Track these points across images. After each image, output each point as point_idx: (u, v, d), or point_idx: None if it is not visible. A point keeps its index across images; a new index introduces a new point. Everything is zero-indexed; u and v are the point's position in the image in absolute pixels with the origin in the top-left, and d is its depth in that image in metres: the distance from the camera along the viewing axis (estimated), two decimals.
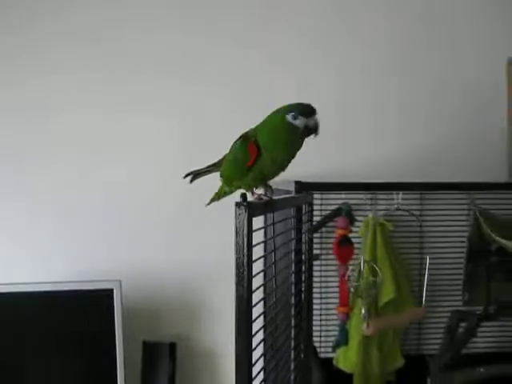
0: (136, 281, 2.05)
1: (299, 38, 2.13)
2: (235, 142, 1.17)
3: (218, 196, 1.29)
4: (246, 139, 1.13)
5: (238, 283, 0.89)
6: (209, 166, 1.27)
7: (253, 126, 1.17)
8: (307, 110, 1.10)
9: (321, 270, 2.03)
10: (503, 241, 1.70)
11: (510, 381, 1.82)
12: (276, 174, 1.16)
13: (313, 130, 1.11)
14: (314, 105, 1.14)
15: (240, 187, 1.18)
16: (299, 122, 1.09)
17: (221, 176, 1.25)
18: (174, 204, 2.08)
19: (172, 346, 1.98)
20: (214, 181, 1.29)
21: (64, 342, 1.89)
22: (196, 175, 1.27)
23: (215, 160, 1.28)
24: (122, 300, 1.90)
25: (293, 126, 1.09)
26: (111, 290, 1.89)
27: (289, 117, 1.09)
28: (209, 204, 1.30)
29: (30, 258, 2.07)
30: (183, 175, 1.28)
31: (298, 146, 1.13)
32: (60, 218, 2.09)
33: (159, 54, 2.11)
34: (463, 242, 1.85)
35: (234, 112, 2.10)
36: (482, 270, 1.90)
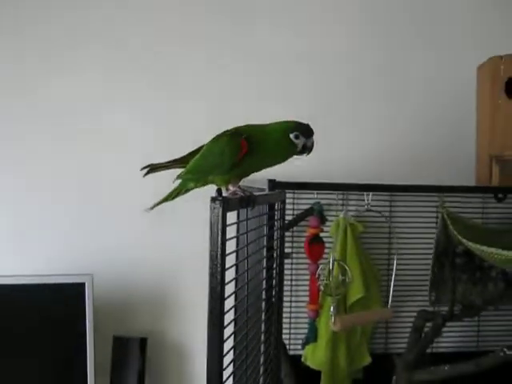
0: (107, 275, 2.05)
1: (276, 37, 2.16)
2: (221, 136, 1.18)
3: (171, 196, 1.29)
4: (238, 135, 1.15)
5: (212, 275, 0.91)
6: (169, 162, 1.28)
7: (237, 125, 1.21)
8: (308, 131, 1.20)
9: (292, 269, 2.06)
10: (469, 243, 1.74)
11: (472, 378, 1.87)
12: (252, 173, 1.23)
13: (308, 149, 1.21)
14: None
15: (212, 183, 1.20)
16: (299, 141, 1.19)
17: (188, 172, 1.23)
18: (146, 198, 2.08)
19: (143, 341, 1.98)
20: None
21: (34, 335, 1.88)
22: (153, 169, 1.28)
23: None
24: (93, 294, 1.90)
25: (293, 144, 1.19)
26: (83, 284, 1.89)
27: (292, 135, 1.18)
28: (153, 208, 1.29)
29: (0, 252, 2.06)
30: (140, 169, 1.29)
31: (290, 156, 1.22)
32: (31, 212, 2.08)
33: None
34: (431, 243, 1.89)
35: (208, 112, 2.13)
36: (448, 271, 1.95)
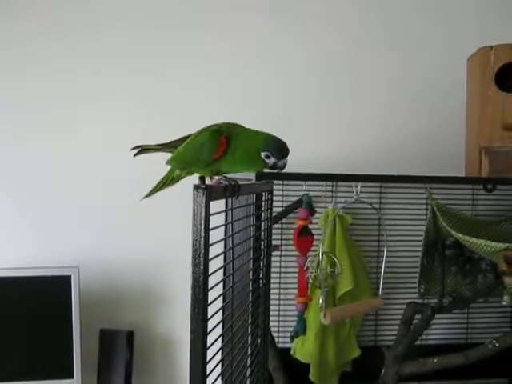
0: (94, 268, 2.03)
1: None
2: (204, 130, 1.18)
3: (162, 183, 1.27)
4: (219, 132, 1.15)
5: (195, 265, 0.89)
6: (159, 145, 1.27)
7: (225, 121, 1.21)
8: (281, 153, 1.16)
9: (280, 261, 2.06)
10: (458, 234, 1.73)
11: (460, 370, 1.87)
12: (234, 172, 1.23)
13: (279, 168, 1.18)
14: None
15: (196, 173, 1.20)
16: (270, 161, 1.15)
17: (173, 159, 1.23)
18: (132, 190, 2.06)
19: (130, 335, 1.97)
20: None
21: (20, 328, 1.87)
22: (143, 150, 1.27)
23: None
24: (79, 287, 1.88)
25: (263, 161, 1.16)
26: (69, 277, 1.87)
27: (263, 154, 1.14)
28: (147, 196, 1.28)
29: None
30: (130, 149, 1.28)
31: (260, 171, 1.21)
32: (18, 204, 2.06)
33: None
34: (421, 235, 1.88)
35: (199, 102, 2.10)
36: (438, 262, 1.94)
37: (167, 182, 1.26)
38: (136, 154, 1.27)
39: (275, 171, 1.19)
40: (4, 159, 2.05)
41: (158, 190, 1.27)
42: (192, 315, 0.89)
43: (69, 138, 2.07)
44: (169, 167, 1.25)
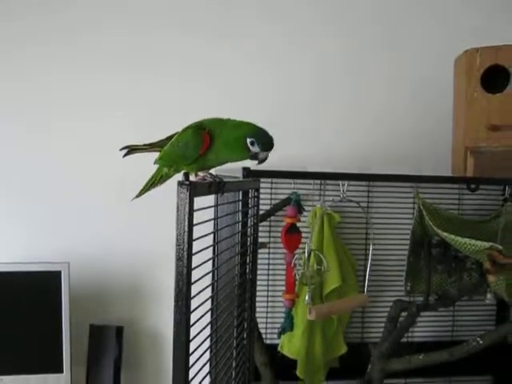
0: (84, 263, 2.05)
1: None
2: (187, 128, 1.20)
3: (152, 182, 1.29)
4: (201, 128, 1.17)
5: (178, 259, 0.92)
6: (147, 145, 1.29)
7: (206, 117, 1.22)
8: (267, 144, 1.17)
9: (268, 258, 2.07)
10: (444, 233, 1.76)
11: (445, 367, 1.90)
12: (220, 165, 1.25)
13: (260, 160, 1.19)
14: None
15: (183, 170, 1.21)
16: (254, 149, 1.16)
17: (160, 158, 1.25)
18: (121, 187, 2.08)
19: (119, 330, 1.99)
20: None
21: (10, 323, 1.88)
22: (132, 150, 1.29)
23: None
24: (69, 282, 1.90)
25: (247, 149, 1.16)
26: (59, 272, 1.89)
27: (249, 140, 1.15)
28: (138, 196, 1.30)
29: None
30: (120, 149, 1.30)
31: (243, 158, 1.20)
32: (9, 199, 2.07)
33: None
34: (408, 233, 1.90)
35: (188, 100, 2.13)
36: (424, 261, 1.96)
37: (156, 181, 1.28)
38: (125, 155, 1.29)
39: (255, 162, 1.19)
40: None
41: (147, 190, 1.29)
42: (175, 308, 0.92)
43: (59, 138, 2.09)
44: (157, 166, 1.28)
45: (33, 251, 2.03)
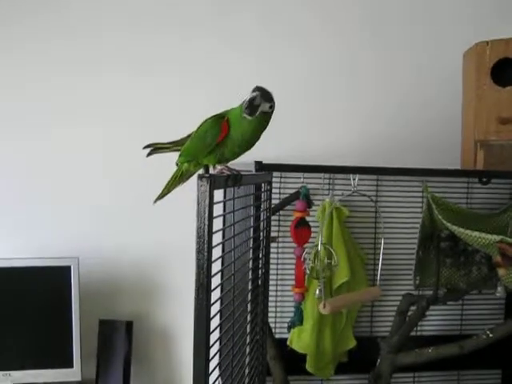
0: (93, 258, 2.05)
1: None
2: (206, 120, 1.21)
3: (173, 181, 1.29)
4: (219, 117, 1.18)
5: (199, 252, 0.91)
6: (170, 143, 1.29)
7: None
8: (267, 94, 1.14)
9: (278, 252, 2.07)
10: (453, 227, 1.76)
11: (454, 361, 1.91)
12: (237, 154, 1.22)
13: (265, 111, 1.15)
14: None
15: (203, 162, 1.22)
16: (256, 101, 1.13)
17: (182, 155, 1.26)
18: (132, 181, 2.08)
19: (128, 325, 1.98)
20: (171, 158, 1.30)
21: (20, 318, 1.89)
22: (155, 149, 1.29)
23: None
24: (79, 277, 1.90)
25: (251, 108, 1.13)
26: (69, 267, 1.89)
27: (249, 97, 1.13)
28: (159, 198, 1.30)
29: None
30: (142, 148, 1.29)
31: (251, 126, 1.16)
32: (19, 194, 2.07)
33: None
34: (417, 227, 1.90)
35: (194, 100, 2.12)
36: (433, 255, 1.96)
37: (177, 178, 1.28)
38: (149, 154, 1.29)
39: (259, 113, 1.14)
40: (6, 152, 2.06)
41: (169, 189, 1.29)
42: (196, 300, 0.91)
43: (69, 136, 2.08)
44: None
45: (42, 246, 2.03)
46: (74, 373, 1.89)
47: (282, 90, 2.12)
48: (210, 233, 0.92)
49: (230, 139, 1.17)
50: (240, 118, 1.15)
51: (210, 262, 0.92)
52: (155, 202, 1.29)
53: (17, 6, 2.05)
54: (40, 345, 1.89)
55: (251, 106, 1.13)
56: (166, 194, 1.30)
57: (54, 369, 1.89)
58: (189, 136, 1.27)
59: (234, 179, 1.09)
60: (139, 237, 2.11)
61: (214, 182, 0.93)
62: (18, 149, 2.06)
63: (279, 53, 2.16)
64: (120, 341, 1.97)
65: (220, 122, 1.16)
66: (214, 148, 1.17)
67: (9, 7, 2.04)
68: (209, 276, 0.92)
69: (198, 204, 0.92)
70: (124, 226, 2.10)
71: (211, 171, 1.02)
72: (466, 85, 2.03)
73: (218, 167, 1.17)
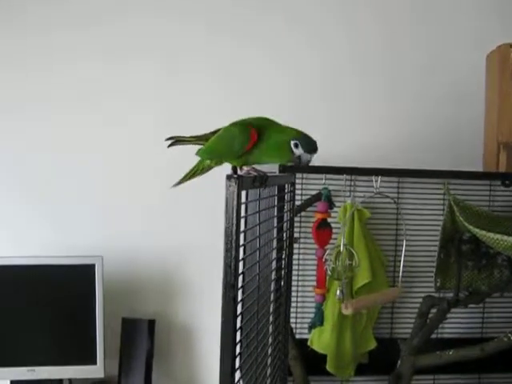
0: (117, 257, 2.07)
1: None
2: (234, 123, 1.22)
3: (193, 173, 1.31)
4: (250, 125, 1.19)
5: (227, 251, 0.93)
6: (192, 137, 1.31)
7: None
8: (310, 146, 1.18)
9: (299, 253, 2.08)
10: (475, 229, 1.75)
11: (474, 364, 1.90)
12: (264, 162, 1.25)
13: (303, 163, 1.19)
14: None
15: (226, 163, 1.24)
16: (297, 151, 1.17)
17: (204, 151, 1.27)
18: (156, 180, 2.10)
19: (151, 323, 2.01)
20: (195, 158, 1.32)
21: (45, 315, 1.92)
22: (177, 141, 1.30)
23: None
24: (103, 276, 1.92)
25: (291, 151, 1.18)
26: (93, 266, 1.91)
27: (292, 143, 1.17)
28: (178, 184, 1.31)
29: (12, 233, 2.09)
30: (165, 139, 1.31)
31: (287, 161, 1.22)
32: (43, 193, 2.10)
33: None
34: (438, 229, 1.90)
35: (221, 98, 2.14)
36: (454, 257, 1.96)
37: (197, 171, 1.30)
38: (170, 145, 1.31)
39: (299, 164, 1.20)
40: (33, 151, 2.10)
41: (188, 179, 1.31)
42: (224, 298, 0.93)
43: (95, 136, 2.11)
44: (198, 158, 1.29)
45: (67, 245, 2.06)
46: (97, 370, 1.92)
47: (303, 91, 2.17)
48: (238, 232, 0.94)
49: (258, 149, 1.18)
50: (284, 149, 1.17)
51: (237, 260, 0.94)
52: (172, 186, 1.31)
53: None
54: (64, 341, 1.92)
55: (299, 160, 1.18)
56: (184, 182, 1.32)
57: (78, 365, 1.92)
58: (213, 133, 1.27)
59: (260, 180, 1.11)
60: (161, 236, 2.13)
61: (242, 183, 0.94)
62: (44, 148, 2.10)
63: (302, 53, 2.17)
64: (142, 339, 1.99)
65: (249, 130, 1.17)
66: (240, 155, 1.19)
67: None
68: (236, 274, 0.94)
69: (227, 204, 0.93)
70: (147, 224, 2.12)
71: (239, 172, 1.04)
72: (489, 86, 2.03)
73: (245, 168, 1.19)
